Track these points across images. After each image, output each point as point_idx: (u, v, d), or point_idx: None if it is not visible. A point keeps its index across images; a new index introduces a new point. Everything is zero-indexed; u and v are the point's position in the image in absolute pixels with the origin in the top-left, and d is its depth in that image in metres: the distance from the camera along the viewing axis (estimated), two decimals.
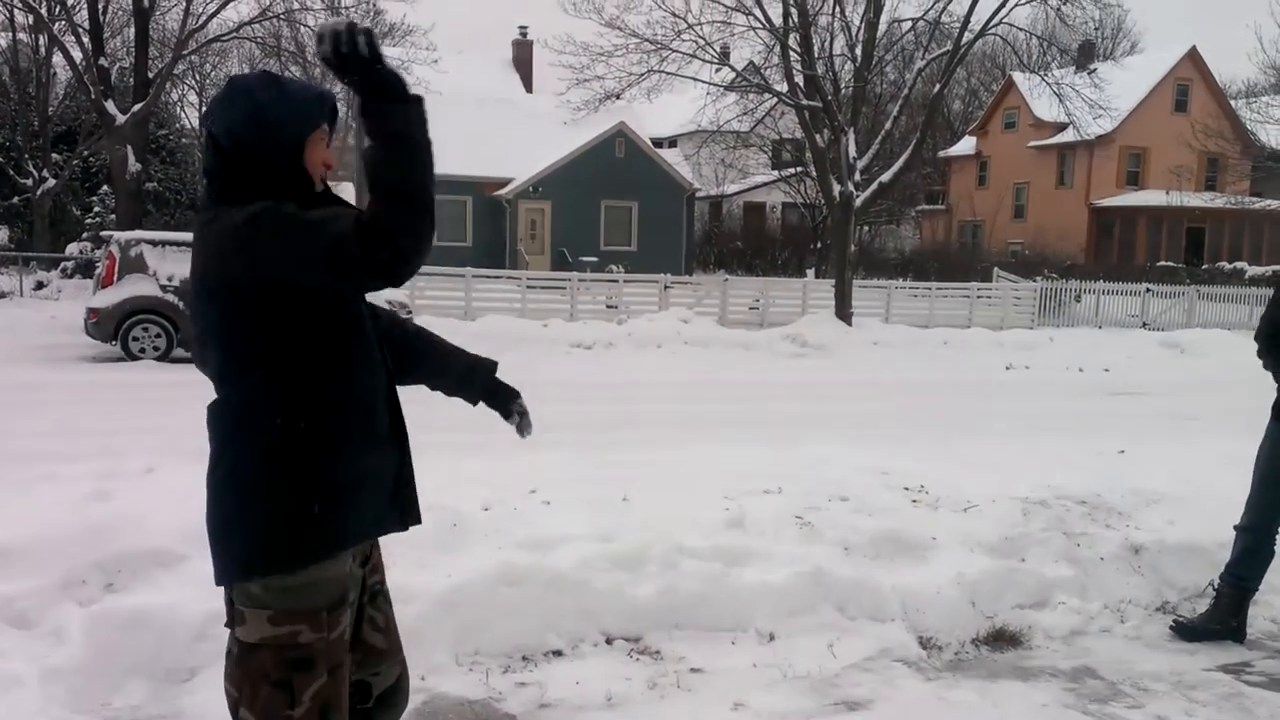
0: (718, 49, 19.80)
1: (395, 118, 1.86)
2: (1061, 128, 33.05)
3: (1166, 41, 43.27)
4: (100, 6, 21.28)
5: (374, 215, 1.82)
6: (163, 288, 12.74)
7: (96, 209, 24.26)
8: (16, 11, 24.35)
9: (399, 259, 1.85)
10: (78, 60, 21.06)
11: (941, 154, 45.17)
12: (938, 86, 21.01)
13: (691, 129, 25.70)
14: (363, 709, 2.28)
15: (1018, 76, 38.29)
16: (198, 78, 36.66)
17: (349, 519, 2.13)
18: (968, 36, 19.34)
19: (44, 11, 21.80)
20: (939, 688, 3.71)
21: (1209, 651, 4.16)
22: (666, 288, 19.77)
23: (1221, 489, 5.08)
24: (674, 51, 18.86)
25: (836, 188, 19.22)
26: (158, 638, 3.44)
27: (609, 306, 19.40)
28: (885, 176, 20.11)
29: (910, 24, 20.73)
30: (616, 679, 3.62)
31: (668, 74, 19.35)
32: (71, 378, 11.29)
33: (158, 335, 12.75)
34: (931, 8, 19.69)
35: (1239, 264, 33.54)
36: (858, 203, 19.32)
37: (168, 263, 12.82)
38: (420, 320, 9.99)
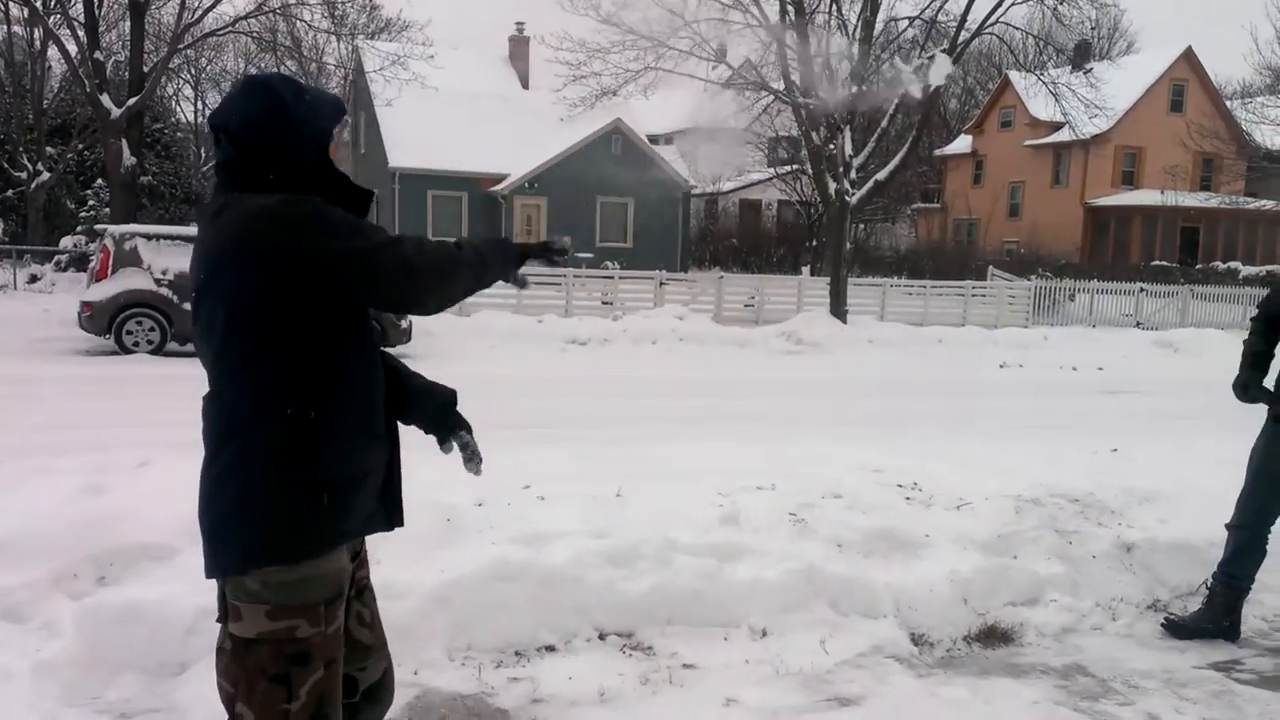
0: (715, 46, 19.78)
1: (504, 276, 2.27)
2: (1057, 127, 33.11)
3: (1162, 42, 43.43)
4: (95, 0, 21.21)
5: (414, 259, 2.04)
6: (157, 281, 12.71)
7: (91, 203, 24.21)
8: (11, 5, 24.30)
9: (411, 299, 2.11)
10: (73, 54, 20.99)
11: (937, 153, 45.21)
12: (934, 85, 21.00)
13: (688, 126, 25.72)
14: (349, 703, 2.28)
15: (1014, 76, 38.33)
16: (193, 72, 36.65)
17: (352, 513, 2.14)
18: (964, 35, 19.35)
19: (39, 4, 21.73)
20: (931, 684, 3.72)
21: (1199, 649, 4.17)
22: (662, 284, 19.77)
23: (1213, 488, 5.09)
24: (671, 49, 18.83)
25: (832, 186, 19.23)
26: (150, 632, 3.43)
27: (604, 303, 19.39)
28: (881, 175, 20.09)
29: (907, 22, 20.74)
30: (609, 674, 3.62)
31: (664, 71, 19.33)
32: (65, 371, 11.26)
33: (151, 329, 12.73)
34: (928, 6, 19.71)
35: (1233, 264, 33.62)
36: (853, 201, 19.33)
37: (162, 256, 12.80)
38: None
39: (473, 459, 2.36)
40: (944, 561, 4.51)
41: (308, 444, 2.04)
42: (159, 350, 12.69)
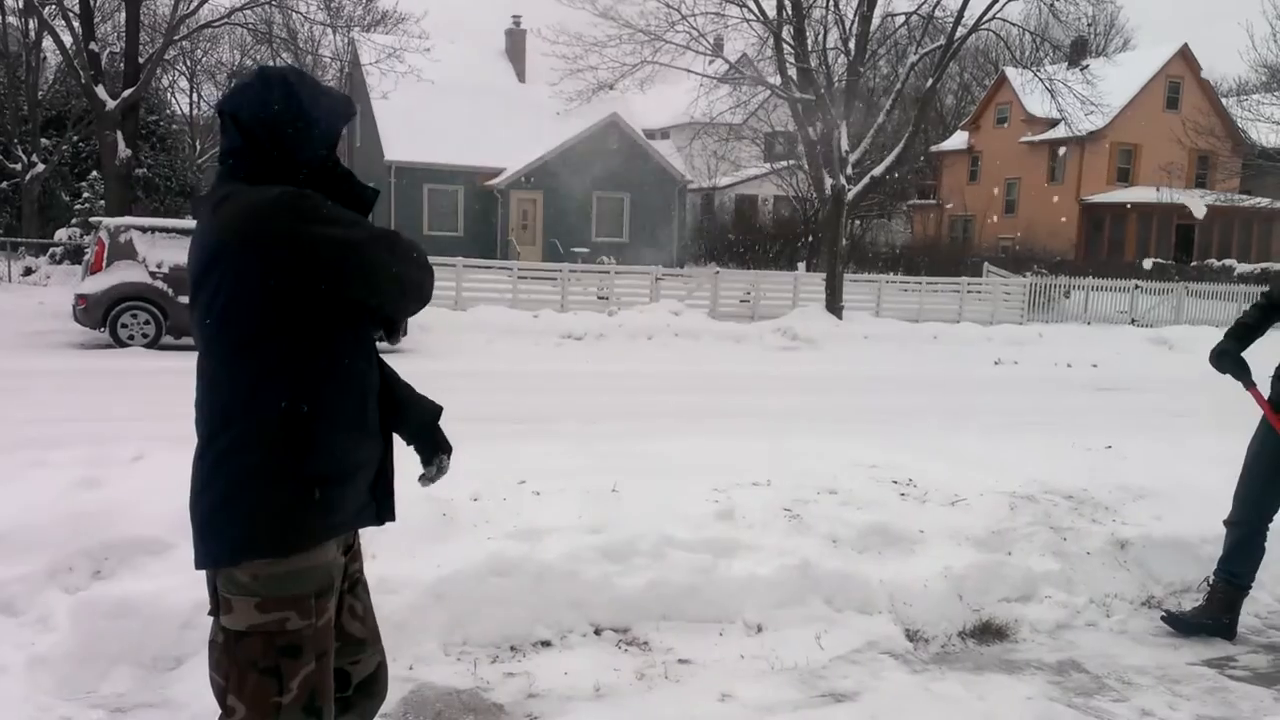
0: (711, 41, 19.76)
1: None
2: (1053, 124, 33.05)
3: (1159, 39, 43.48)
4: None
5: (411, 252, 2.15)
6: (152, 274, 12.67)
7: (86, 195, 24.09)
8: None
9: (408, 293, 2.16)
10: (68, 45, 20.89)
11: (933, 149, 45.19)
12: (930, 81, 21.00)
13: (684, 121, 25.67)
14: (342, 697, 2.28)
15: (1010, 72, 38.34)
16: (189, 64, 36.52)
17: (343, 507, 2.14)
18: (961, 31, 19.34)
19: None
20: (925, 680, 3.73)
21: (1193, 646, 4.19)
22: (658, 279, 19.75)
23: (1207, 485, 5.11)
24: (667, 43, 18.82)
25: (828, 181, 19.24)
26: (145, 625, 3.43)
27: (600, 298, 19.38)
28: (877, 170, 20.09)
29: (904, 18, 20.73)
30: (605, 669, 3.63)
31: (661, 65, 19.31)
32: (59, 364, 11.23)
33: (146, 322, 12.69)
34: (925, 2, 19.69)
35: (1228, 261, 33.67)
36: (849, 196, 19.33)
37: (157, 249, 12.75)
38: None
39: (436, 476, 2.39)
40: (939, 557, 4.52)
41: (300, 437, 2.04)
42: (154, 344, 12.65)
